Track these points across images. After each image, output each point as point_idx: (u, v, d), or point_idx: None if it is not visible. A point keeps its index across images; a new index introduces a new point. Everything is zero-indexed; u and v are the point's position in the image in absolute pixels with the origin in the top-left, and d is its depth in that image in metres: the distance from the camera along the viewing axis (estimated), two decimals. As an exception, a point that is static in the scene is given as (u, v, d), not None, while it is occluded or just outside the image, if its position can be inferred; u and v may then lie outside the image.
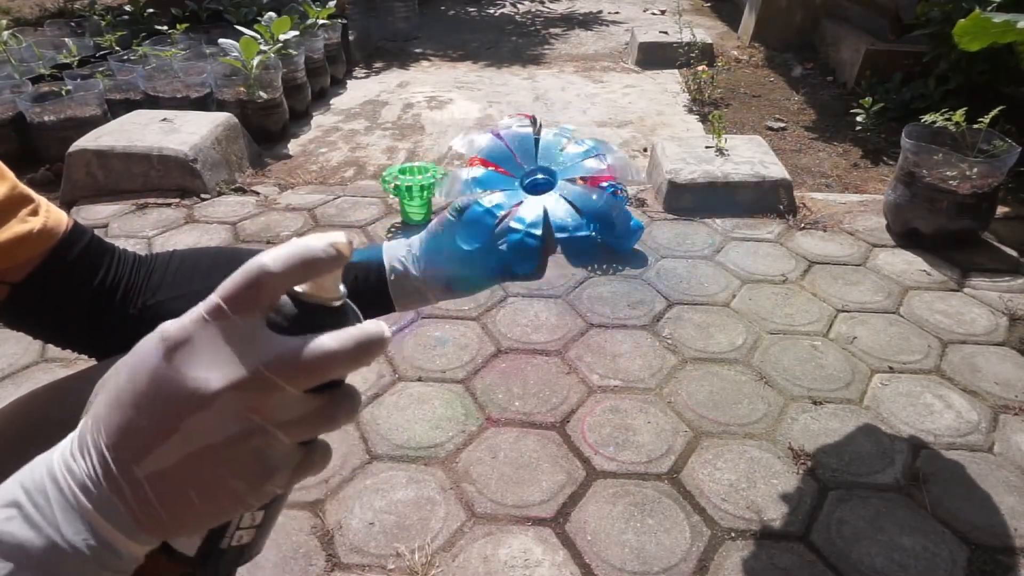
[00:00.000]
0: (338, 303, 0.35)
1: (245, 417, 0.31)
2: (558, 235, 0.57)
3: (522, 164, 0.63)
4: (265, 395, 0.31)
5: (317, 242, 0.32)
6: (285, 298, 0.33)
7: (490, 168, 0.62)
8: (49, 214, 0.59)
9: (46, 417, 0.55)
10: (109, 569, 0.33)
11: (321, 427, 0.33)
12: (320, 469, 0.35)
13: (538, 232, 0.56)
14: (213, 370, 0.31)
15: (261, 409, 0.31)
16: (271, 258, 0.31)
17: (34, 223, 0.57)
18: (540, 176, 0.63)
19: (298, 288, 0.33)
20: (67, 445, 0.33)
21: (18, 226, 0.56)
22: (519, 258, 0.57)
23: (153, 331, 0.33)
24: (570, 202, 0.58)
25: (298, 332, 0.32)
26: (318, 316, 0.33)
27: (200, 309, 0.32)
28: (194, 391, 0.31)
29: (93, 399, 0.54)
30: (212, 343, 0.31)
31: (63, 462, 0.33)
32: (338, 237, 0.32)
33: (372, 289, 0.63)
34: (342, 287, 0.35)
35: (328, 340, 0.31)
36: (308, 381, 0.32)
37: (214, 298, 0.32)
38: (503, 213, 0.58)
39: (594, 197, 0.59)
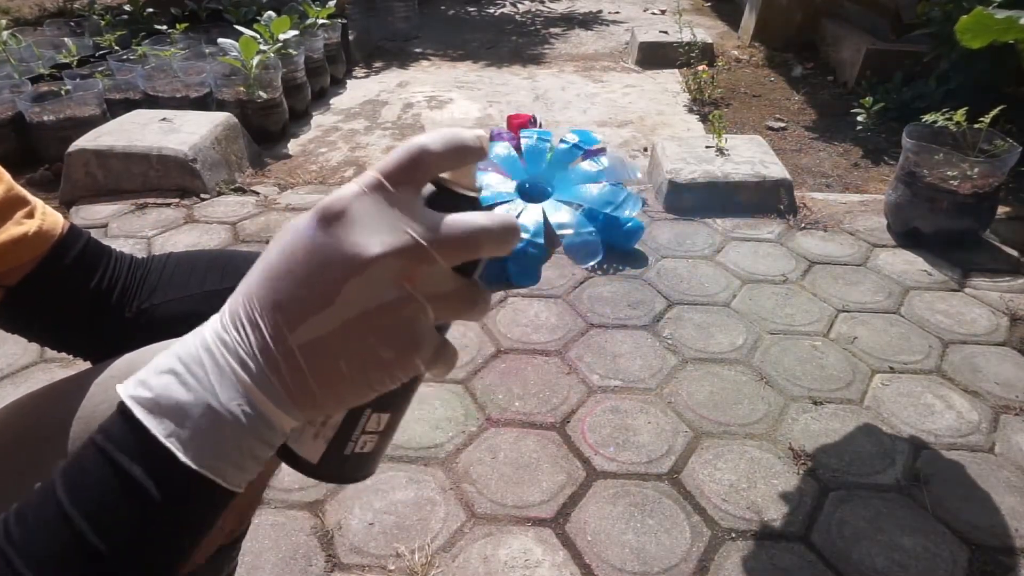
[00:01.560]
0: (475, 194, 0.36)
1: (399, 284, 0.31)
2: (561, 233, 0.57)
3: (524, 167, 0.64)
4: (419, 264, 0.32)
5: (467, 132, 0.33)
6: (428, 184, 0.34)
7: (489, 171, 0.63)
8: (45, 217, 0.59)
9: (44, 420, 0.55)
10: (261, 440, 0.33)
11: (463, 308, 0.34)
12: (451, 366, 0.35)
13: (540, 241, 0.57)
14: (371, 236, 0.31)
15: (413, 278, 0.32)
16: (430, 139, 0.33)
17: (30, 225, 0.56)
18: (538, 184, 0.64)
19: (443, 175, 0.35)
20: (217, 320, 0.34)
21: (14, 228, 0.55)
22: (521, 269, 0.58)
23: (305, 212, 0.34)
24: (567, 203, 0.59)
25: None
26: (459, 203, 0.34)
27: (357, 183, 0.32)
28: (353, 256, 0.31)
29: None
30: (369, 212, 0.31)
31: (215, 335, 0.33)
32: (480, 132, 0.34)
33: None
34: (479, 181, 0.36)
35: (480, 217, 0.32)
36: (460, 255, 0.32)
37: (372, 172, 0.32)
38: None
39: (595, 191, 0.60)
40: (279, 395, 0.32)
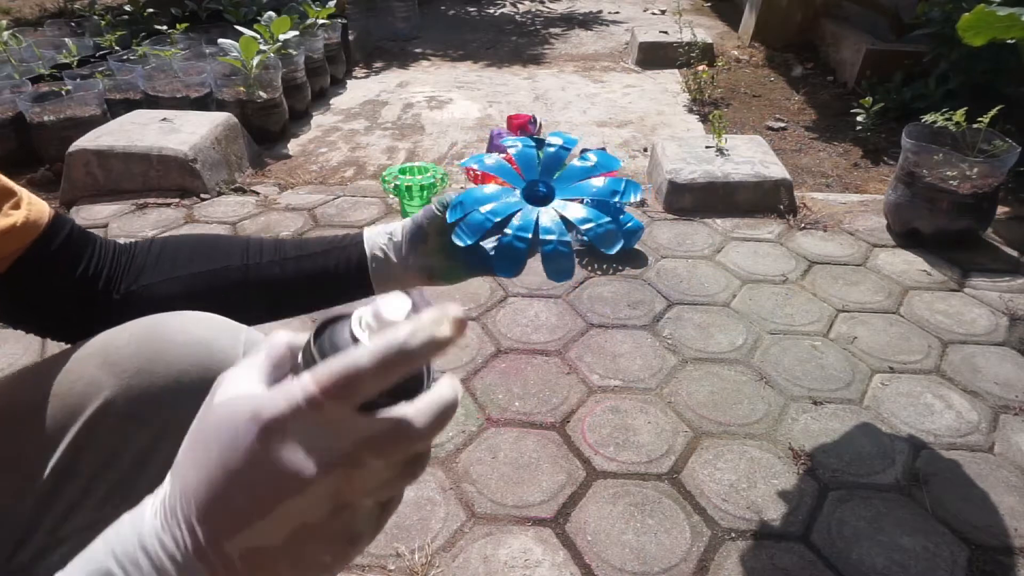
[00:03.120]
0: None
1: (337, 495, 0.32)
2: (543, 237, 0.60)
3: (524, 177, 0.67)
4: (357, 472, 0.32)
5: (419, 335, 0.31)
6: None
7: (496, 184, 0.66)
8: (31, 207, 0.59)
9: (20, 401, 0.55)
10: None
11: (404, 485, 0.34)
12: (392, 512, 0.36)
13: (527, 236, 0.60)
14: (309, 455, 0.31)
15: (352, 485, 0.32)
16: (370, 355, 0.31)
17: (17, 216, 0.57)
18: (541, 188, 0.66)
19: None
20: (154, 514, 0.33)
21: (2, 220, 0.56)
22: (504, 261, 0.61)
23: (242, 398, 0.33)
24: (563, 217, 0.62)
25: (382, 395, 0.32)
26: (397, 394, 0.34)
27: (297, 394, 0.31)
28: (292, 476, 0.31)
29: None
30: (306, 428, 0.31)
31: (155, 533, 0.33)
32: (444, 326, 0.31)
33: (353, 274, 0.67)
34: None
35: (415, 417, 0.32)
36: (398, 456, 0.33)
37: (312, 386, 0.31)
38: (499, 220, 0.61)
39: (596, 184, 0.62)
40: None
